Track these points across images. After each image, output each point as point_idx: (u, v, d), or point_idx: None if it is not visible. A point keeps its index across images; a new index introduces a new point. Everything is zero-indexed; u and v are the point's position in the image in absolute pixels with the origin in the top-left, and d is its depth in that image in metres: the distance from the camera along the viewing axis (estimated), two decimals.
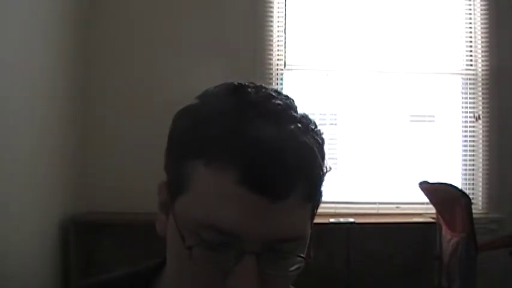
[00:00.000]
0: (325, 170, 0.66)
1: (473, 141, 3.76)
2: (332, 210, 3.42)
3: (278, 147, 0.60)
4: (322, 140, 0.66)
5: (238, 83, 0.66)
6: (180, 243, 0.62)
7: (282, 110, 0.64)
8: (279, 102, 0.65)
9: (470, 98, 3.77)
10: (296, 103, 0.68)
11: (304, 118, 0.66)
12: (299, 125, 0.63)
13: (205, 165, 0.61)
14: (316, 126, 0.66)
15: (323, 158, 0.65)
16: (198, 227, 0.61)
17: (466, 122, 3.77)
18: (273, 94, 0.66)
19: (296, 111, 0.66)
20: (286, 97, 0.68)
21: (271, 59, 3.65)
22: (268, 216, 0.60)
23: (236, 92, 0.65)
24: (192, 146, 0.63)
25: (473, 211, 3.01)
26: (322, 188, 0.67)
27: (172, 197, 0.66)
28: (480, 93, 3.73)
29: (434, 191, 3.27)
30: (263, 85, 0.68)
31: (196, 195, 0.62)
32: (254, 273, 0.59)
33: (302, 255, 0.63)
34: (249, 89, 0.65)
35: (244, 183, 0.59)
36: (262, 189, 0.59)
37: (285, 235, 0.61)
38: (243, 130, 0.60)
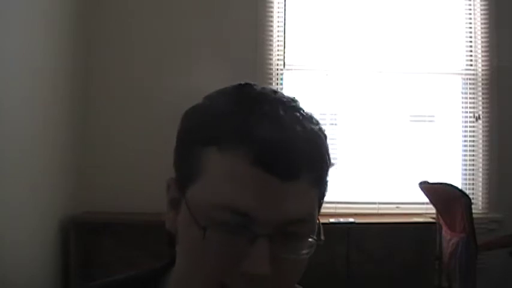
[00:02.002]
0: (330, 162, 0.68)
1: (473, 141, 3.76)
2: (332, 210, 3.42)
3: (288, 130, 0.63)
4: (325, 133, 0.69)
5: (244, 82, 0.70)
6: (193, 229, 0.63)
7: (287, 101, 0.68)
8: (283, 94, 0.69)
9: (470, 98, 3.77)
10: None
11: (308, 111, 0.69)
12: (304, 114, 0.67)
13: (218, 150, 0.63)
14: (318, 122, 0.70)
15: (327, 149, 0.68)
16: (213, 209, 0.62)
17: (466, 122, 3.77)
18: (276, 90, 0.70)
19: (299, 105, 0.69)
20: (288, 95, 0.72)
21: (271, 59, 3.65)
22: (280, 196, 0.62)
23: (243, 87, 0.68)
24: (204, 135, 0.65)
25: (473, 211, 3.02)
26: (328, 179, 0.69)
27: (184, 189, 0.67)
28: (480, 93, 3.73)
29: (434, 191, 3.27)
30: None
31: (210, 179, 0.64)
32: (267, 256, 0.61)
33: (313, 236, 0.65)
34: (254, 86, 0.69)
35: (258, 164, 0.61)
36: (275, 169, 0.61)
37: (295, 215, 0.63)
38: (253, 115, 0.63)
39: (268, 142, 0.61)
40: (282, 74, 3.69)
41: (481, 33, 3.70)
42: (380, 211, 3.62)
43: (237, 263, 0.62)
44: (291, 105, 0.67)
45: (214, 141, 0.64)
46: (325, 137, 0.69)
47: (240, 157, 0.62)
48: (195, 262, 0.65)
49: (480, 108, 3.73)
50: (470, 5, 3.74)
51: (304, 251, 0.65)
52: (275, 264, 0.62)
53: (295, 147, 0.62)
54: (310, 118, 0.68)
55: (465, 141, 3.77)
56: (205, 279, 0.64)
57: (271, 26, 3.65)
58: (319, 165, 0.66)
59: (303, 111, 0.68)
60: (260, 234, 0.61)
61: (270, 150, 0.61)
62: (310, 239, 0.65)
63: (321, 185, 0.67)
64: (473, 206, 3.06)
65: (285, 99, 0.67)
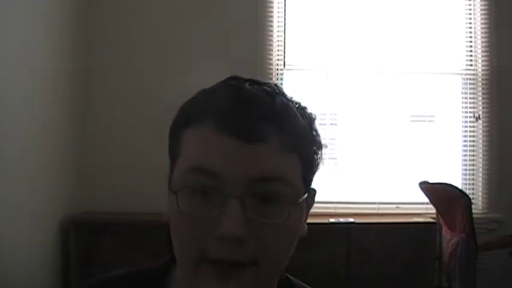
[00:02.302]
0: (310, 133, 0.70)
1: (473, 141, 3.76)
2: (332, 210, 3.42)
3: (252, 98, 0.66)
4: (305, 111, 0.71)
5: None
6: (172, 203, 0.65)
7: (260, 81, 0.70)
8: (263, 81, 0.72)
9: (470, 98, 3.77)
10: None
11: (288, 93, 0.71)
12: (278, 91, 0.69)
13: (192, 128, 0.67)
14: (304, 108, 0.71)
15: (308, 123, 0.70)
16: (183, 174, 0.66)
17: (466, 122, 3.77)
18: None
19: (278, 87, 0.71)
20: None
21: (271, 59, 3.65)
22: (246, 156, 0.64)
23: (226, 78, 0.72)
24: (181, 121, 0.69)
25: (473, 211, 3.02)
26: (312, 151, 0.70)
27: (171, 175, 0.70)
28: (480, 93, 3.73)
29: (434, 191, 3.27)
30: None
31: (184, 154, 0.67)
32: (238, 216, 0.62)
33: (289, 198, 0.65)
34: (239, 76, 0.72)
35: (220, 129, 0.64)
36: (237, 132, 0.64)
37: (263, 174, 0.64)
38: (220, 90, 0.68)
39: (228, 108, 0.64)
40: (282, 74, 3.69)
41: (481, 33, 3.70)
42: (380, 211, 3.62)
43: (213, 228, 0.62)
44: (264, 84, 0.69)
45: (188, 122, 0.67)
46: (307, 116, 0.70)
47: (207, 127, 0.65)
48: (177, 236, 0.67)
49: (480, 108, 3.73)
50: (470, 5, 3.74)
51: (281, 217, 0.64)
52: (252, 228, 0.62)
53: (257, 111, 0.64)
54: (287, 97, 0.70)
55: (465, 141, 3.77)
56: (188, 251, 0.65)
57: (271, 26, 3.65)
58: (289, 130, 0.66)
59: (279, 89, 0.70)
60: (230, 194, 0.62)
61: (230, 115, 0.64)
62: (287, 204, 0.65)
63: (300, 153, 0.67)
64: (473, 206, 3.06)
65: (258, 80, 0.70)
